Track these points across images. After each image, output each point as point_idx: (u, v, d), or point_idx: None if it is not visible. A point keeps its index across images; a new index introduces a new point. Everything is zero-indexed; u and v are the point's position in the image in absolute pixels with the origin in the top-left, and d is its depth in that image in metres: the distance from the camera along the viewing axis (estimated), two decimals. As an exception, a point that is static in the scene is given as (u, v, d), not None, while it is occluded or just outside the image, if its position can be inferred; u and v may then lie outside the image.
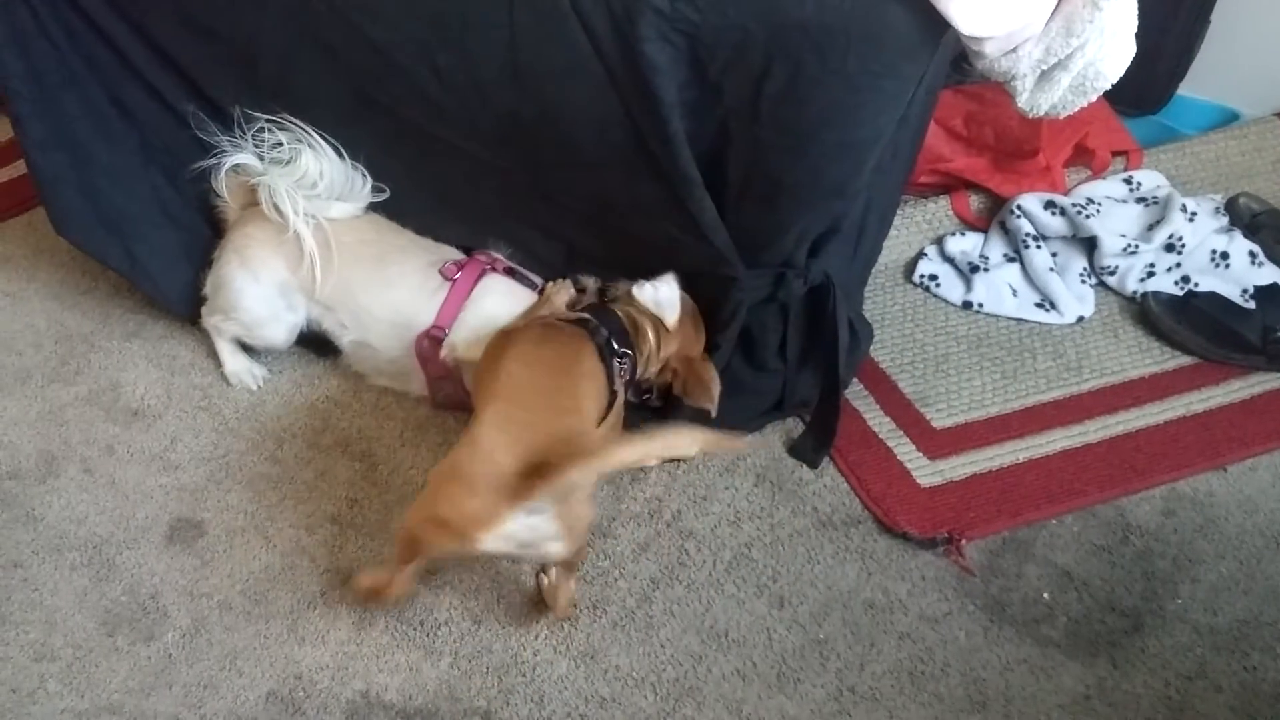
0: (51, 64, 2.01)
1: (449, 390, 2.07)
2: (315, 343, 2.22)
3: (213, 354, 2.22)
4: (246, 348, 2.22)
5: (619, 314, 1.89)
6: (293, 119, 2.00)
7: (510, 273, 2.08)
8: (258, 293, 2.09)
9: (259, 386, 2.20)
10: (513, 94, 1.77)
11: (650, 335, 1.89)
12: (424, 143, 1.96)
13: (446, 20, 1.75)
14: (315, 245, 2.03)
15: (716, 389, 1.93)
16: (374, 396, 2.17)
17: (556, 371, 1.73)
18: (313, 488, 2.01)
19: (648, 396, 2.00)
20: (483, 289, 2.04)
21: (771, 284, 1.89)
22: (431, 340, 2.00)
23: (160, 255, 2.23)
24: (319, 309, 2.10)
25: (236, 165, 2.06)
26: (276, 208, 2.03)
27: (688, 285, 1.95)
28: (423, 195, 2.10)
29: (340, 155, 2.04)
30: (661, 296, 1.91)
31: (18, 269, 2.50)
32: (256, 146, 2.04)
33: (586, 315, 1.85)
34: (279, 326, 2.13)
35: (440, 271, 2.04)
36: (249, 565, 1.88)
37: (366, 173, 2.08)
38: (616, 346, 1.81)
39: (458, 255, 2.10)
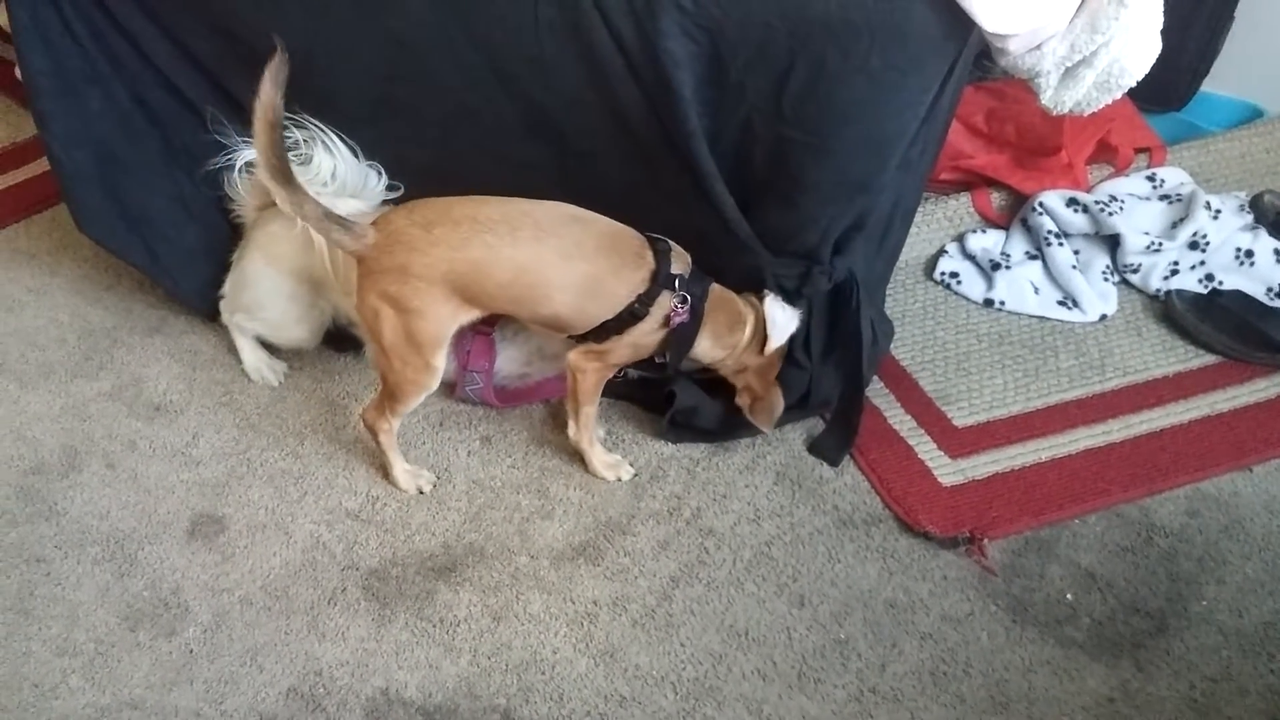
0: (76, 62, 2.02)
1: (477, 384, 2.07)
2: (335, 339, 2.23)
3: (234, 350, 2.23)
4: (268, 344, 2.22)
5: (718, 289, 1.90)
6: (310, 119, 2.00)
7: None
8: (285, 291, 2.09)
9: (280, 382, 2.21)
10: (537, 88, 1.77)
11: (747, 332, 1.91)
12: (447, 139, 1.96)
13: (470, 15, 1.75)
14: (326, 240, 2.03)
15: (777, 414, 1.96)
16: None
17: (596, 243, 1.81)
18: (333, 483, 2.01)
19: (662, 360, 1.96)
20: None
21: (798, 277, 1.89)
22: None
23: (181, 253, 2.24)
24: (350, 303, 2.10)
25: (250, 164, 2.07)
26: None
27: (719, 275, 1.94)
28: (446, 192, 2.10)
29: (355, 154, 2.04)
30: (780, 317, 1.90)
31: (41, 265, 2.51)
32: None
33: (663, 241, 1.86)
34: (304, 326, 2.14)
35: None
36: (270, 561, 1.88)
37: (382, 170, 2.08)
38: (677, 286, 1.83)
39: None
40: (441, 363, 1.85)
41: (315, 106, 1.99)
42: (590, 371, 1.91)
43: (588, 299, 1.81)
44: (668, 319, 1.83)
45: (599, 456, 2.02)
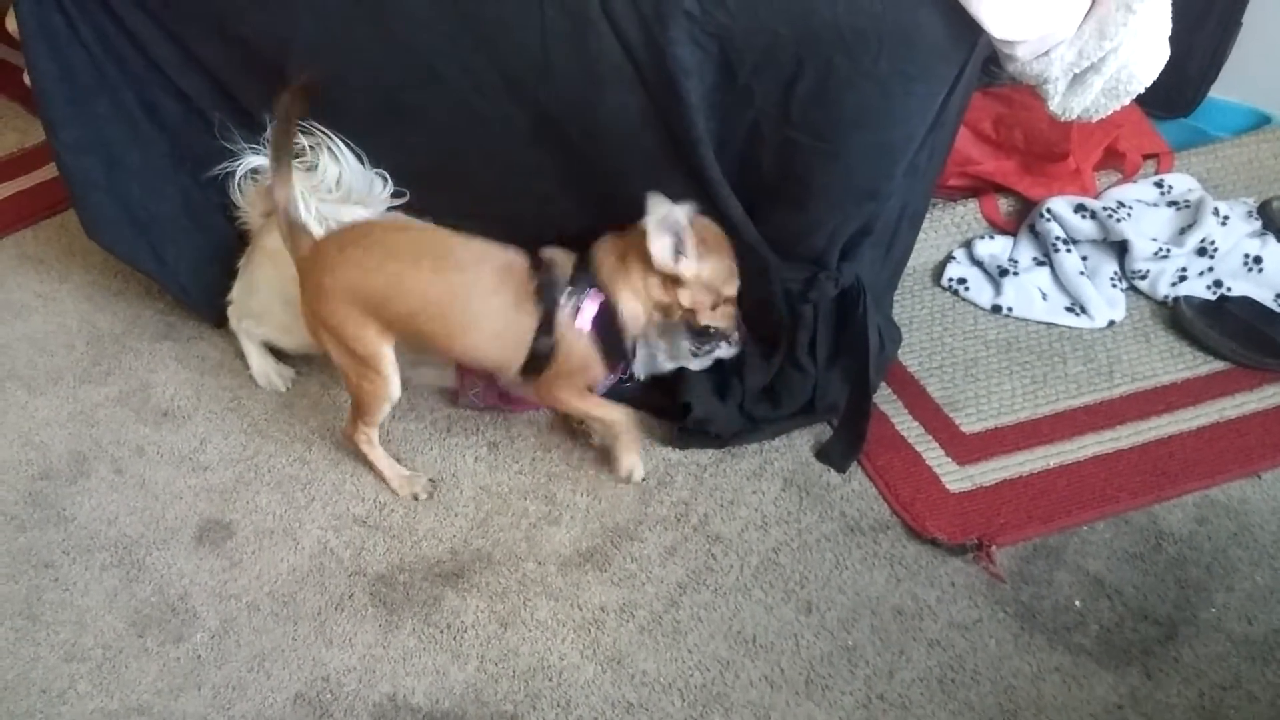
0: (84, 68, 2.03)
1: (479, 389, 2.07)
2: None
3: (242, 356, 2.24)
4: (275, 350, 2.23)
5: (601, 247, 1.80)
6: (317, 125, 2.00)
7: None
8: (292, 296, 2.09)
9: (288, 388, 2.22)
10: (545, 95, 1.77)
11: (637, 276, 1.77)
12: (454, 146, 1.96)
13: (478, 21, 1.75)
14: None
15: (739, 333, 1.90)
16: (402, 398, 2.17)
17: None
18: (340, 489, 2.01)
19: (627, 380, 1.92)
20: None
21: (804, 281, 1.89)
22: None
23: (189, 259, 2.25)
24: None
25: (255, 170, 2.07)
26: None
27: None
28: (453, 199, 2.10)
29: (361, 160, 2.05)
30: (653, 221, 1.68)
31: (50, 270, 2.52)
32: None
33: (538, 254, 1.79)
34: None
35: None
36: (277, 567, 1.88)
37: (388, 177, 2.08)
38: (572, 285, 1.75)
39: None
40: (391, 372, 1.85)
41: (323, 112, 2.00)
42: (561, 400, 1.89)
43: (494, 339, 1.79)
44: (582, 329, 1.77)
45: (603, 407, 1.93)
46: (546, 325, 1.76)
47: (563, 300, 1.76)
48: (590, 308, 1.77)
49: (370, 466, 2.00)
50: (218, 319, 2.27)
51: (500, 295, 1.76)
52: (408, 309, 1.77)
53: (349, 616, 1.81)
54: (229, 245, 2.24)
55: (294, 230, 1.82)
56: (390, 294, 1.76)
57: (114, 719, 1.67)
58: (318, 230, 2.02)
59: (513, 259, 1.79)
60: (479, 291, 1.77)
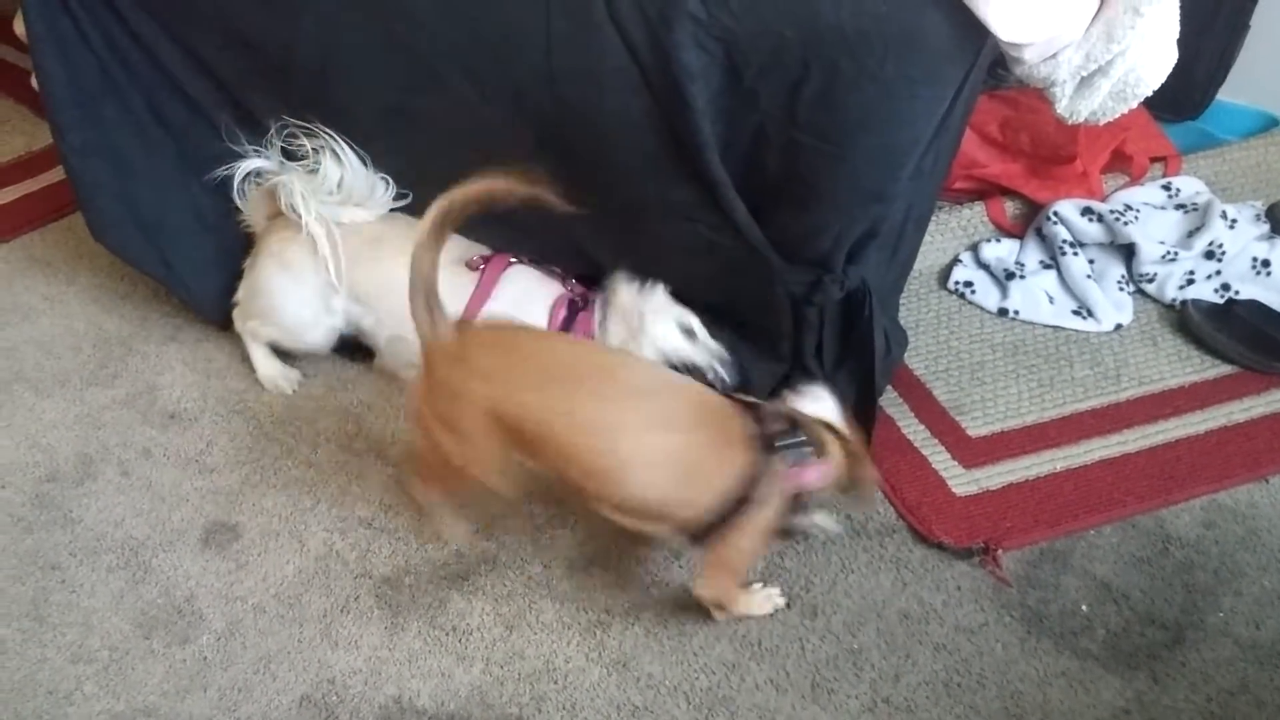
0: (92, 72, 2.03)
1: None
2: (348, 347, 2.23)
3: (248, 358, 2.24)
4: (281, 352, 2.23)
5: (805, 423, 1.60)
6: (322, 127, 2.01)
7: (536, 265, 2.11)
8: (299, 296, 2.10)
9: (294, 390, 2.22)
10: (550, 101, 1.77)
11: (834, 445, 1.61)
12: (459, 150, 1.96)
13: (484, 27, 1.76)
14: (329, 245, 2.05)
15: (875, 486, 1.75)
16: (403, 400, 2.18)
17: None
18: (346, 491, 2.01)
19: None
20: (508, 280, 2.06)
21: (809, 284, 1.88)
22: None
23: (196, 262, 2.25)
24: (357, 308, 2.11)
25: (258, 172, 2.08)
26: (292, 208, 2.05)
27: (728, 284, 1.94)
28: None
29: (364, 163, 2.06)
30: (822, 397, 1.65)
31: (57, 273, 2.53)
32: (285, 155, 2.06)
33: (757, 402, 1.63)
34: (319, 330, 2.15)
35: (466, 264, 2.06)
36: (283, 569, 1.89)
37: (391, 181, 2.09)
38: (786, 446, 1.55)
39: (486, 251, 2.12)
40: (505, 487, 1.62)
41: (329, 116, 2.01)
42: (729, 600, 1.69)
43: (679, 483, 1.55)
44: (791, 487, 1.58)
45: (750, 601, 1.78)
46: (761, 475, 1.54)
47: (783, 456, 1.56)
48: (815, 473, 1.58)
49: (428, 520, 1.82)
50: (224, 321, 2.28)
51: (699, 433, 1.55)
52: (559, 439, 1.52)
53: (354, 619, 1.81)
54: (235, 248, 2.24)
55: (433, 311, 1.55)
56: (536, 416, 1.52)
57: (120, 721, 1.68)
58: (322, 238, 2.04)
59: (713, 395, 1.63)
60: (670, 425, 1.55)
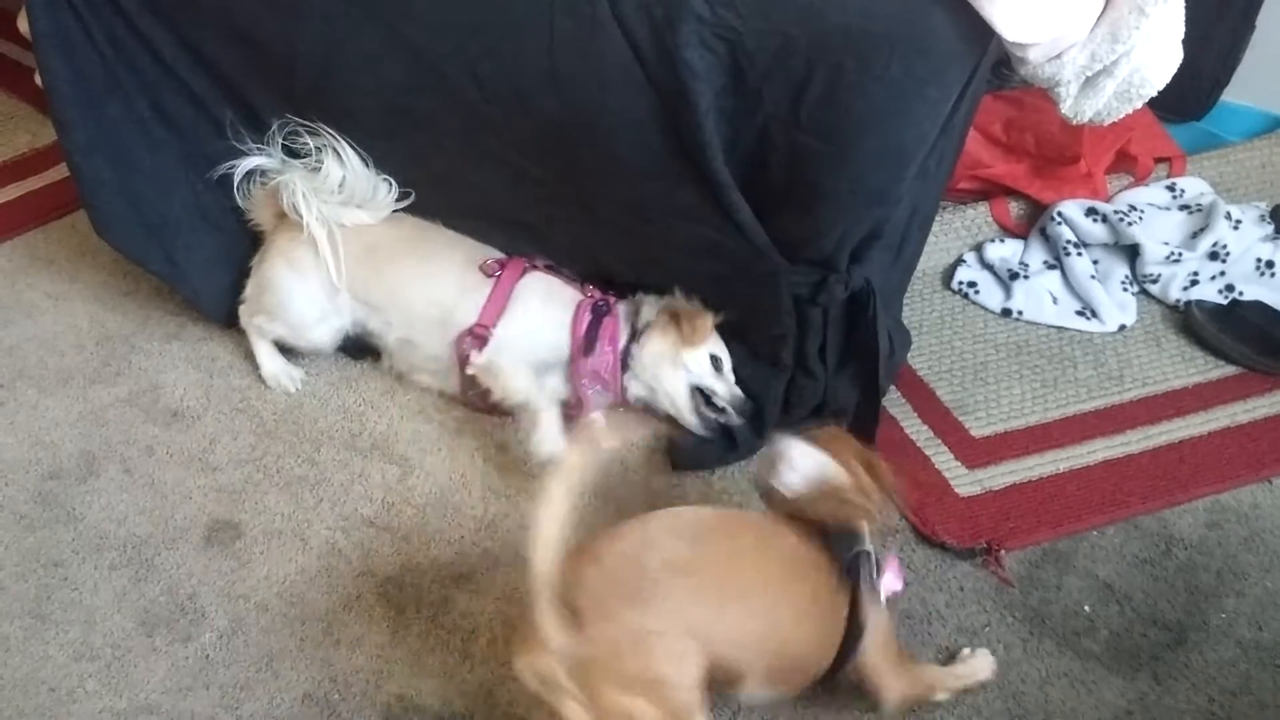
0: (96, 70, 2.03)
1: (482, 390, 2.08)
2: (351, 347, 2.23)
3: (251, 356, 2.24)
4: (284, 350, 2.23)
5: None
6: (325, 127, 2.01)
7: (551, 271, 2.10)
8: (306, 294, 2.11)
9: (297, 389, 2.22)
10: (552, 101, 1.77)
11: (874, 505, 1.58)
12: (463, 152, 1.97)
13: (487, 27, 1.76)
14: (330, 246, 2.06)
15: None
16: (410, 399, 2.18)
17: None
18: (349, 490, 2.01)
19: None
20: (526, 288, 2.05)
21: (813, 285, 1.88)
22: (475, 338, 2.01)
23: (199, 260, 2.25)
24: (365, 309, 2.11)
25: (261, 170, 2.08)
26: (294, 207, 2.05)
27: (730, 286, 1.94)
28: (461, 206, 2.11)
29: (366, 164, 2.06)
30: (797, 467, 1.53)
31: (60, 271, 2.53)
32: (288, 153, 2.06)
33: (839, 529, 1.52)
34: (325, 328, 2.15)
35: (481, 268, 2.05)
36: (286, 567, 1.89)
37: (393, 182, 2.09)
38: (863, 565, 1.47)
39: (498, 254, 2.12)
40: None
41: (331, 115, 2.01)
42: (921, 684, 1.61)
43: (818, 643, 1.48)
44: (889, 596, 1.55)
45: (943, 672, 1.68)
46: (855, 605, 1.47)
47: (866, 570, 1.49)
48: (894, 569, 1.58)
49: None
50: (227, 319, 2.28)
51: (804, 583, 1.46)
52: (749, 637, 1.41)
53: (357, 617, 1.81)
54: (239, 246, 2.24)
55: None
56: (737, 625, 1.39)
57: (123, 718, 1.68)
58: (323, 239, 2.04)
59: (786, 531, 1.50)
60: (800, 590, 1.46)
